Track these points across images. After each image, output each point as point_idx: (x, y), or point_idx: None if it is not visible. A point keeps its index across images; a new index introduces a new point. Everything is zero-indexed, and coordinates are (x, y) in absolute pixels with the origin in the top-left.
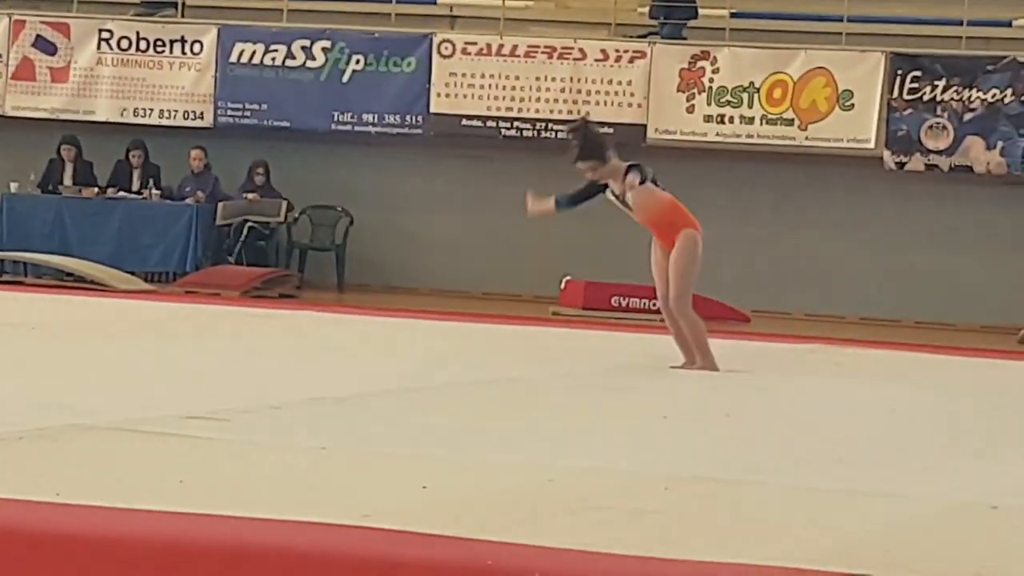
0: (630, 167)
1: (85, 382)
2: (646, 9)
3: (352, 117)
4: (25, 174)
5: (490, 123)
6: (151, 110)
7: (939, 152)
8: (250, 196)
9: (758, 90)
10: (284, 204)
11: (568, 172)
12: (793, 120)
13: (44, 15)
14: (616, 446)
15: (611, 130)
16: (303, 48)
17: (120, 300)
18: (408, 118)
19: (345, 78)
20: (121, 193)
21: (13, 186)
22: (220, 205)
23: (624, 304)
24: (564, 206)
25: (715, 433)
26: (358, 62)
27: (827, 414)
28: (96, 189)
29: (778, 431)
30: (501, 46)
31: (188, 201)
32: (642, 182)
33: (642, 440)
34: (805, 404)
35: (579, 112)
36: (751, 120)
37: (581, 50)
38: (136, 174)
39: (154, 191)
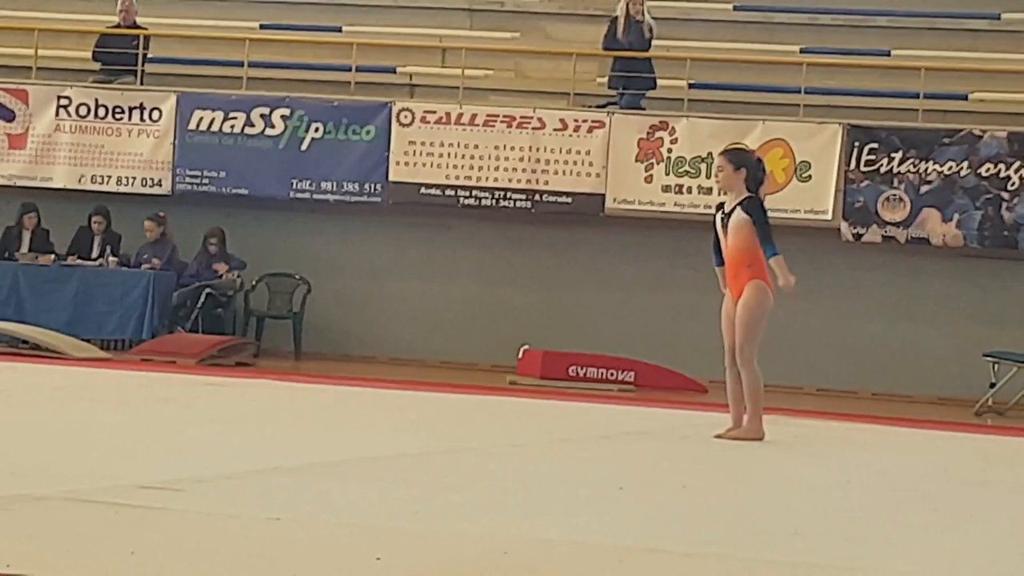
0: (751, 197)
1: (37, 451)
2: (605, 79)
3: (311, 185)
4: None
5: (449, 191)
6: (109, 177)
7: (896, 224)
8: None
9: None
10: (239, 279)
11: (526, 241)
12: None
13: (3, 82)
14: (572, 517)
15: (569, 199)
16: (262, 116)
17: (75, 368)
18: (367, 186)
19: (304, 146)
20: (78, 260)
21: None
22: (175, 294)
23: (581, 374)
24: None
25: (671, 504)
26: (317, 130)
27: (784, 486)
28: (53, 256)
29: (735, 502)
30: (460, 115)
31: (144, 268)
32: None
33: (598, 511)
34: (762, 475)
35: (538, 181)
36: (709, 191)
37: (540, 119)
38: (97, 241)
39: (111, 259)
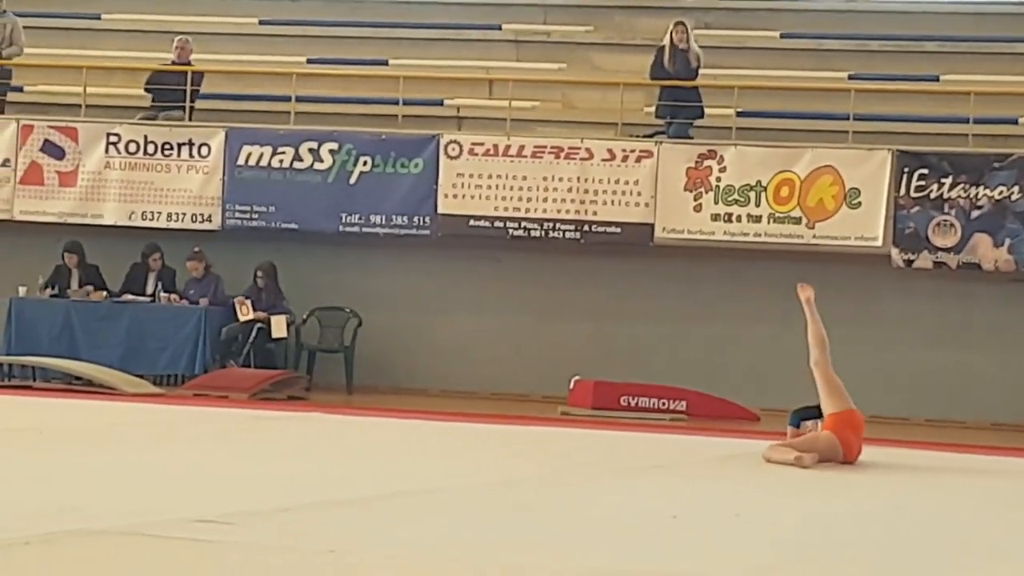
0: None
1: (93, 486)
2: (652, 109)
3: (360, 219)
4: (33, 278)
5: (497, 223)
6: (159, 213)
7: (947, 249)
8: (239, 302)
9: (765, 188)
10: (284, 319)
11: (575, 272)
12: (800, 218)
13: (52, 119)
14: (625, 546)
15: (618, 230)
16: (311, 150)
17: (129, 403)
18: (416, 219)
19: (353, 180)
20: (128, 296)
21: (22, 290)
22: (224, 329)
23: (633, 404)
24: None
25: (725, 533)
26: (365, 164)
27: (836, 514)
28: (104, 293)
29: (788, 531)
30: (508, 146)
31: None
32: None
33: (651, 540)
34: (814, 504)
35: (587, 212)
36: (758, 219)
37: (588, 150)
38: (152, 277)
39: (163, 295)
